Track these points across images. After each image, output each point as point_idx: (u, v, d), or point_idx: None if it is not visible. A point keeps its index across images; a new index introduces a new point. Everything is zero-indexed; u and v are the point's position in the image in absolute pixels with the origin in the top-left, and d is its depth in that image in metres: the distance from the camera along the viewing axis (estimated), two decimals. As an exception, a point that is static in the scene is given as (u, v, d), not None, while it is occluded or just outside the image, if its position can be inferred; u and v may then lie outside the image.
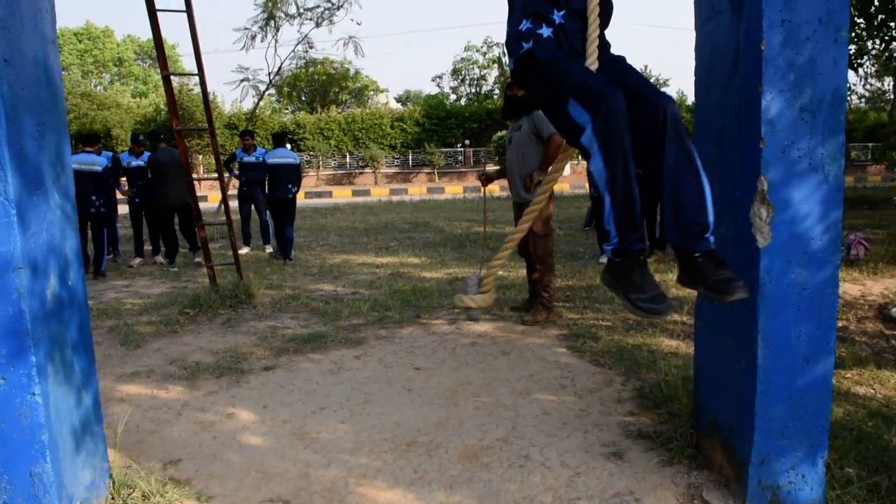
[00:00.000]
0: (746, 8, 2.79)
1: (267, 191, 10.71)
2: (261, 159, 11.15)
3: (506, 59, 3.36)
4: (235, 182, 11.67)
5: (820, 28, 2.74)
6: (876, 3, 15.53)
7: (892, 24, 16.14)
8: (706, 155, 3.26)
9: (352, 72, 41.64)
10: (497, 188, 23.42)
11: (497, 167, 6.41)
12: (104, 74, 56.22)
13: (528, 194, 5.95)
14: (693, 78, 3.37)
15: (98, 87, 49.72)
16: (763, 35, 2.69)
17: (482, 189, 6.49)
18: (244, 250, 11.02)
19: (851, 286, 6.96)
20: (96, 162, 9.30)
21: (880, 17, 15.89)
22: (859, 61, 18.92)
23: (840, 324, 5.69)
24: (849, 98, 37.74)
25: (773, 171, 2.74)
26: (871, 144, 34.34)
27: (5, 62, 2.34)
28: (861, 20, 16.14)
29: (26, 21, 2.50)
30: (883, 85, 37.99)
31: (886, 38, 17.22)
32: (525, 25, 2.60)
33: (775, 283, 2.77)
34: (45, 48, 2.65)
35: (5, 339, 2.44)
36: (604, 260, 9.33)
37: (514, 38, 2.62)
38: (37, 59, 2.57)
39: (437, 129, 36.90)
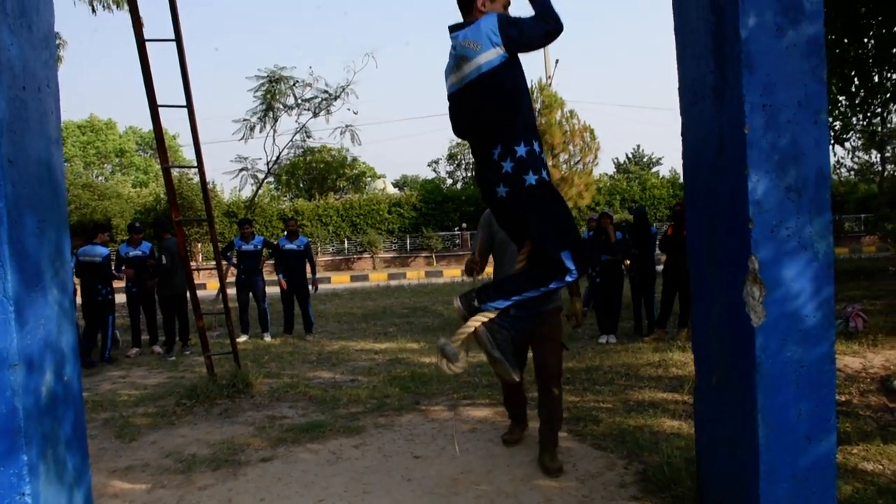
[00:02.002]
0: (728, 94, 2.89)
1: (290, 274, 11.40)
2: (259, 247, 11.28)
3: (507, 165, 2.89)
4: (233, 270, 11.76)
5: (800, 111, 2.83)
6: (856, 81, 16.03)
7: (873, 102, 16.60)
8: (697, 236, 3.31)
9: (349, 159, 42.35)
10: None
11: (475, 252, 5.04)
12: (106, 165, 57.12)
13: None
14: (681, 160, 3.45)
15: (99, 178, 50.47)
16: (746, 119, 2.78)
17: (473, 280, 4.92)
18: (242, 339, 10.98)
19: (852, 359, 6.92)
20: (98, 253, 9.61)
21: (861, 93, 16.37)
22: (845, 136, 19.36)
23: (843, 398, 5.64)
24: (839, 171, 38.47)
25: (764, 250, 2.78)
26: (863, 215, 34.68)
27: (10, 163, 2.40)
28: (843, 98, 16.62)
29: (32, 123, 2.58)
30: (870, 157, 38.68)
31: (869, 114, 17.66)
32: (539, 149, 2.96)
33: (772, 361, 2.77)
34: (48, 148, 2.72)
35: (-2, 438, 2.42)
36: (603, 340, 9.34)
37: (537, 159, 2.95)
38: (40, 159, 2.64)
39: (434, 213, 37.26)
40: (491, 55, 2.89)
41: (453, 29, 3.09)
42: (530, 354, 4.75)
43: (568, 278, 2.99)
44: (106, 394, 7.47)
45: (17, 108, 2.49)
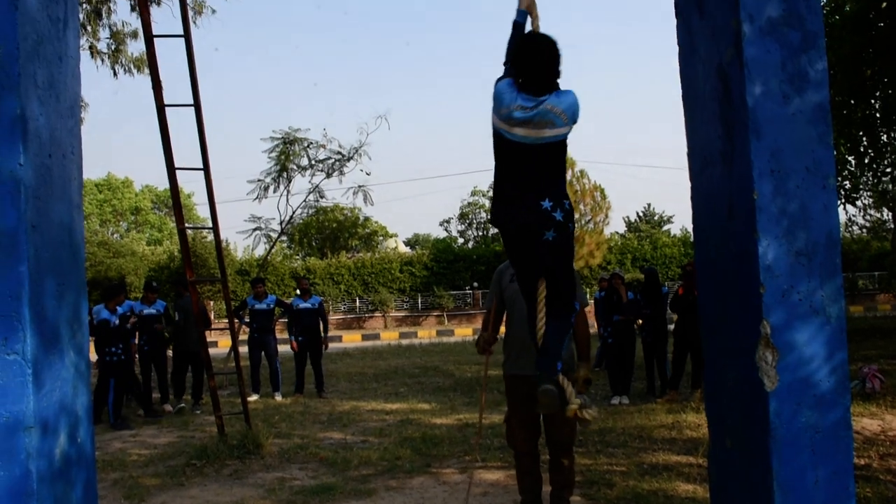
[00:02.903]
0: (737, 159, 2.93)
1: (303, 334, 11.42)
2: (272, 306, 11.35)
3: (558, 215, 3.29)
4: (245, 328, 11.79)
5: (808, 176, 2.87)
6: (865, 142, 16.19)
7: (882, 162, 16.72)
8: (709, 300, 3.32)
9: (361, 219, 42.70)
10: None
11: (485, 326, 4.71)
12: (121, 223, 57.79)
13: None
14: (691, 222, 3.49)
15: (115, 235, 51.03)
16: (754, 185, 2.81)
17: (486, 359, 4.63)
18: (253, 398, 10.93)
19: (870, 421, 6.83)
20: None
21: (870, 153, 16.51)
22: (855, 195, 19.42)
23: (862, 462, 5.54)
24: (850, 229, 38.42)
25: (775, 315, 2.78)
26: (876, 273, 34.49)
27: (33, 228, 2.46)
28: (852, 157, 16.76)
29: (55, 189, 2.66)
30: (882, 215, 38.71)
31: (879, 173, 17.77)
32: None
33: (786, 426, 2.75)
34: (70, 212, 2.79)
35: (9, 502, 2.42)
36: (616, 401, 9.24)
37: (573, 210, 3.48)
38: (62, 224, 2.70)
39: (445, 272, 37.35)
40: (568, 129, 3.33)
41: (531, 89, 3.30)
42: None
43: (577, 307, 3.71)
44: (116, 453, 7.43)
45: (43, 174, 2.57)
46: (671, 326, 9.97)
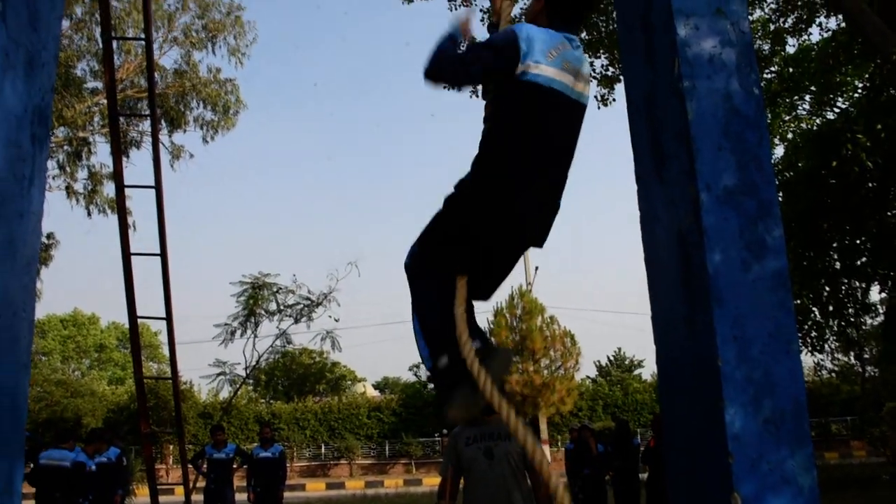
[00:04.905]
0: (700, 326, 2.93)
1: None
2: (231, 455, 10.92)
3: None
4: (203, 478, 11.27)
5: (771, 342, 2.86)
6: (826, 291, 16.58)
7: (845, 310, 17.07)
8: (677, 466, 3.23)
9: (329, 363, 42.17)
10: None
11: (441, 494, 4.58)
12: (84, 360, 56.38)
13: None
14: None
15: (76, 373, 49.75)
16: (718, 352, 2.80)
17: None
18: (207, 556, 10.27)
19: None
20: (66, 458, 9.05)
21: (832, 302, 16.86)
22: (821, 343, 19.65)
23: None
24: (820, 373, 38.44)
25: (745, 486, 2.69)
26: (848, 418, 34.22)
27: (-30, 399, 2.35)
28: (816, 308, 17.09)
29: (2, 351, 2.55)
30: (850, 359, 38.96)
31: (842, 322, 18.07)
32: None
33: None
34: (16, 374, 2.67)
35: None
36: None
37: None
38: (4, 388, 2.58)
39: (414, 418, 36.54)
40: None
41: (562, 28, 2.50)
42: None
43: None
44: None
45: (-13, 337, 2.48)
46: (643, 475, 9.74)
